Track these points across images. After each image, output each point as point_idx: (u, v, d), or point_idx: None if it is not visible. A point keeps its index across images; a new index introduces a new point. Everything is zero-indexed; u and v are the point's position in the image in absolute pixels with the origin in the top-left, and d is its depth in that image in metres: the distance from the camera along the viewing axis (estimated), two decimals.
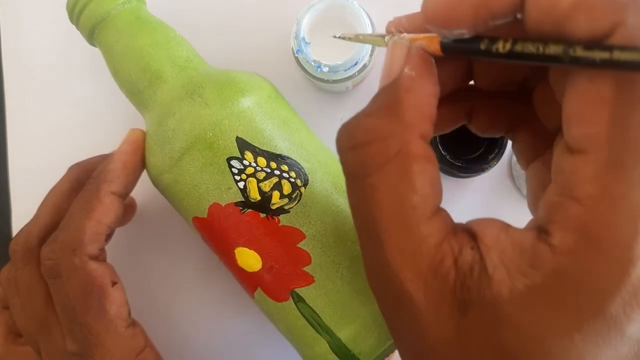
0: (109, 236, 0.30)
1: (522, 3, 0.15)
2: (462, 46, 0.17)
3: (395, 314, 0.18)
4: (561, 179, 0.16)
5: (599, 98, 0.15)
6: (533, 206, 0.22)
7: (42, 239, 0.29)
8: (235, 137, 0.27)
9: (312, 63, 0.32)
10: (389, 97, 0.18)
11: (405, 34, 0.19)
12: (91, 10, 0.30)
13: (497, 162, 0.34)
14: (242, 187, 0.27)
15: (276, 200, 0.27)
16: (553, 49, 0.14)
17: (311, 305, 0.26)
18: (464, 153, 0.35)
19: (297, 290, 0.27)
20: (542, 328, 0.15)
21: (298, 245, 0.27)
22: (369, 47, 0.32)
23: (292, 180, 0.27)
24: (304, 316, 0.27)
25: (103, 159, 0.30)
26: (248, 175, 0.27)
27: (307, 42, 0.32)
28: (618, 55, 0.13)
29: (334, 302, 0.26)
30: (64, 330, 0.27)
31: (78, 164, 0.32)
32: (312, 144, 0.29)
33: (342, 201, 0.28)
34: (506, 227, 0.17)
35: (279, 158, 0.27)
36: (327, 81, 0.33)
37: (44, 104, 0.40)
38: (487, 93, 0.21)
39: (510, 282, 0.15)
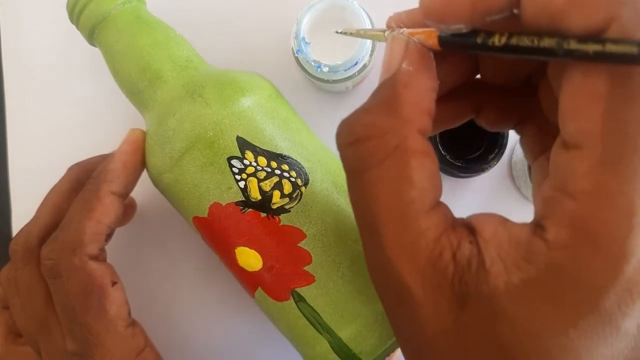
0: (109, 236, 0.30)
1: None
2: (459, 40, 0.17)
3: (396, 309, 0.18)
4: (556, 174, 0.16)
5: (593, 93, 0.15)
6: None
7: (42, 239, 0.29)
8: (235, 136, 0.27)
9: (312, 63, 0.32)
10: (387, 93, 0.18)
11: (404, 28, 0.19)
12: (91, 10, 0.30)
13: (497, 162, 0.34)
14: (242, 186, 0.27)
15: (277, 199, 0.27)
16: (547, 42, 0.14)
17: (312, 304, 0.26)
18: (464, 153, 0.35)
19: (297, 289, 0.27)
20: (538, 323, 0.15)
21: (299, 245, 0.27)
22: (368, 47, 0.32)
23: (293, 179, 0.27)
24: (305, 316, 0.27)
25: (103, 159, 0.30)
26: (249, 175, 0.27)
27: (307, 42, 0.32)
28: (610, 47, 0.13)
29: (334, 301, 0.26)
30: (64, 330, 0.27)
31: (78, 164, 0.32)
32: (313, 144, 0.29)
33: (342, 200, 0.28)
34: (504, 221, 0.17)
35: (279, 157, 0.27)
36: (327, 81, 0.33)
37: (44, 104, 0.40)
38: (495, 88, 0.22)
39: (507, 276, 0.15)
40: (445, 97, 0.21)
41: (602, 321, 0.15)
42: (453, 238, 0.17)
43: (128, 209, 0.36)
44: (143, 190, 0.32)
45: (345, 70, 0.32)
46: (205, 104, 0.27)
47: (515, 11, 0.16)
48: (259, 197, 0.27)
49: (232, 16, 0.38)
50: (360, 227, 0.19)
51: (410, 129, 0.17)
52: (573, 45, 0.14)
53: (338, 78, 0.33)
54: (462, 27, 0.17)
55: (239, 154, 0.27)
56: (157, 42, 0.30)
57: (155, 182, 0.30)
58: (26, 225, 0.31)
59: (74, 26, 0.32)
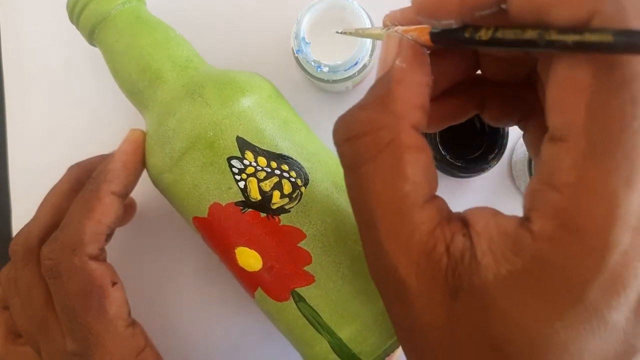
0: (109, 236, 0.30)
1: None
2: (449, 35, 0.18)
3: (393, 303, 0.18)
4: (543, 166, 0.16)
5: (577, 86, 0.15)
6: None
7: (42, 239, 0.29)
8: (235, 136, 0.27)
9: (312, 63, 0.32)
10: (381, 89, 0.19)
11: (398, 26, 0.20)
12: (91, 10, 0.30)
13: (497, 162, 0.34)
14: (242, 186, 0.27)
15: (277, 199, 0.27)
16: (530, 34, 0.15)
17: (312, 304, 0.26)
18: (464, 153, 0.35)
19: (297, 289, 0.27)
20: (526, 315, 0.15)
21: (298, 245, 0.27)
22: (368, 47, 0.32)
23: (293, 179, 0.27)
24: (305, 316, 0.27)
25: (103, 159, 0.30)
26: (248, 175, 0.27)
27: (307, 42, 0.32)
28: (589, 37, 0.14)
29: (334, 301, 0.26)
30: (64, 330, 0.27)
31: (78, 164, 0.32)
32: (312, 144, 0.29)
33: (342, 200, 0.28)
34: (495, 213, 0.17)
35: (279, 158, 0.27)
36: (327, 81, 0.33)
37: (44, 104, 0.40)
38: (498, 84, 0.22)
39: (495, 268, 0.16)
40: (449, 93, 0.22)
41: (588, 313, 0.15)
42: (447, 231, 0.17)
43: (128, 209, 0.36)
44: (143, 190, 0.32)
45: (345, 70, 0.32)
46: (205, 104, 0.27)
47: (504, 6, 0.16)
48: (259, 197, 0.27)
49: (232, 16, 0.38)
50: (358, 222, 0.19)
51: (404, 125, 0.18)
52: (554, 36, 0.14)
53: (338, 78, 0.33)
54: (452, 23, 0.17)
55: (239, 154, 0.27)
56: (157, 42, 0.30)
57: (155, 182, 0.30)
58: (26, 225, 0.31)
59: (74, 26, 0.32)
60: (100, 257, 0.28)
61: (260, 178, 0.27)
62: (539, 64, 0.18)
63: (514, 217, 0.16)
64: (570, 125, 0.15)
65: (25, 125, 0.40)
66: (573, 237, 0.15)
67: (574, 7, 0.14)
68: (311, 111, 0.36)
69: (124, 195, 0.30)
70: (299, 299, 0.27)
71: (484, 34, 0.16)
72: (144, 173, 0.30)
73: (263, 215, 0.27)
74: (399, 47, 0.19)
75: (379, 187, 0.18)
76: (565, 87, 0.15)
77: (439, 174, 0.36)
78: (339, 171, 0.29)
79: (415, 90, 0.18)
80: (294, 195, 0.27)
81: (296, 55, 0.33)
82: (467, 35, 0.17)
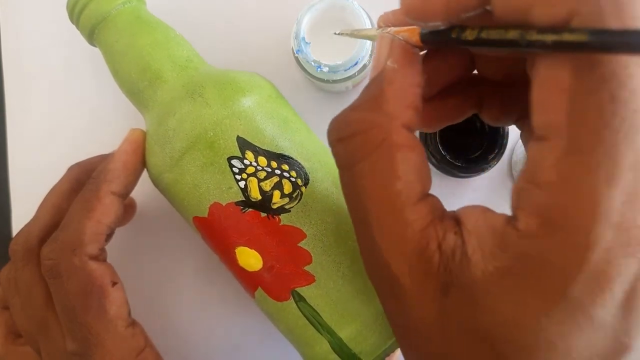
0: (109, 236, 0.30)
1: None
2: (437, 36, 0.18)
3: (387, 299, 0.19)
4: (528, 165, 0.16)
5: (558, 85, 0.15)
6: None
7: (42, 239, 0.29)
8: (236, 136, 0.27)
9: (312, 63, 0.32)
10: (373, 90, 0.19)
11: (391, 27, 0.20)
12: (91, 10, 0.30)
13: (497, 162, 0.34)
14: (242, 186, 0.27)
15: (277, 199, 0.27)
16: (512, 34, 0.15)
17: (312, 304, 0.26)
18: (464, 153, 0.35)
19: (297, 289, 0.27)
20: (513, 311, 0.15)
21: (299, 245, 0.27)
22: (368, 47, 0.32)
23: (293, 179, 0.27)
24: (305, 315, 0.27)
25: (103, 159, 0.30)
26: (249, 175, 0.27)
27: (307, 42, 0.32)
28: (567, 37, 0.14)
29: (334, 301, 0.26)
30: (64, 330, 0.27)
31: (78, 164, 0.32)
32: (313, 144, 0.29)
33: (342, 200, 0.28)
34: (485, 211, 0.17)
35: (279, 157, 0.27)
36: (327, 81, 0.33)
37: (44, 104, 0.40)
38: (496, 83, 0.22)
39: (483, 264, 0.16)
40: (446, 93, 0.22)
41: (573, 310, 0.15)
42: (440, 229, 0.17)
43: (128, 209, 0.36)
44: (143, 190, 0.32)
45: (345, 70, 0.32)
46: (205, 104, 0.27)
47: (489, 8, 0.16)
48: (259, 197, 0.27)
49: (232, 16, 0.38)
50: (353, 220, 0.19)
51: (396, 124, 0.18)
52: (534, 36, 0.15)
53: (338, 78, 0.33)
54: (439, 24, 0.17)
55: (239, 154, 0.27)
56: (157, 42, 0.30)
57: (155, 182, 0.30)
58: (26, 225, 0.31)
59: (74, 26, 0.32)
60: (100, 257, 0.28)
61: (260, 178, 0.27)
62: (527, 64, 0.18)
63: (503, 215, 0.17)
64: (551, 124, 0.15)
65: (25, 125, 0.40)
66: (556, 234, 0.15)
67: (553, 8, 0.14)
68: (311, 111, 0.36)
69: (124, 195, 0.30)
70: (299, 299, 0.27)
71: (469, 34, 0.17)
72: (144, 173, 0.30)
73: (263, 215, 0.27)
74: (391, 48, 0.19)
75: (372, 186, 0.18)
76: (547, 86, 0.15)
77: (439, 174, 0.36)
78: None
79: (407, 90, 0.19)
80: (294, 195, 0.27)
81: (296, 55, 0.33)
82: (453, 35, 0.17)
